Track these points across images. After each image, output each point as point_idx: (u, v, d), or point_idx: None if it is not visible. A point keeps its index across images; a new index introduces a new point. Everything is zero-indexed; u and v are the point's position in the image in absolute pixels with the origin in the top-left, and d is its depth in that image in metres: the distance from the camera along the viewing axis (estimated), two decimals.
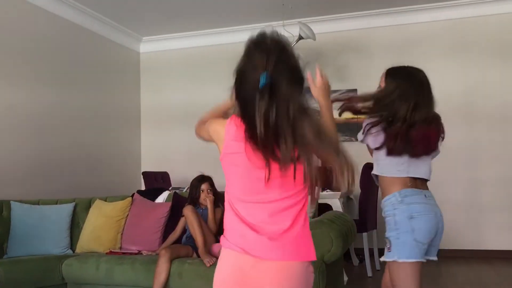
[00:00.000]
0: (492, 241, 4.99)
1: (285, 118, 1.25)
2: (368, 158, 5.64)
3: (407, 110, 1.98)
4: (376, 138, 2.03)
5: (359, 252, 5.22)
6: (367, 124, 2.07)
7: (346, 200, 5.13)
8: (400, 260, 2.03)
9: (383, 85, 2.13)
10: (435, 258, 2.09)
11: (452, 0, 5.57)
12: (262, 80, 1.25)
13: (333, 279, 2.98)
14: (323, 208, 4.14)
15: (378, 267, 4.91)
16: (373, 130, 2.04)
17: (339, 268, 3.33)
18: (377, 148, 2.05)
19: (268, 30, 1.34)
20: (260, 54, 1.31)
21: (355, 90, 5.97)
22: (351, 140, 5.95)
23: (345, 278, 4.08)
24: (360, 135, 2.13)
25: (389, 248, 2.07)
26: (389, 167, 2.05)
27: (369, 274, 4.60)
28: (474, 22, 5.62)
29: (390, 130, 1.98)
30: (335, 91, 6.03)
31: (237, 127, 1.35)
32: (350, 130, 5.97)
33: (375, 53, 5.98)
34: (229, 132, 1.37)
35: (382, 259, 2.11)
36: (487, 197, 5.25)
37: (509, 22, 5.51)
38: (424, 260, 2.04)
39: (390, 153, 2.01)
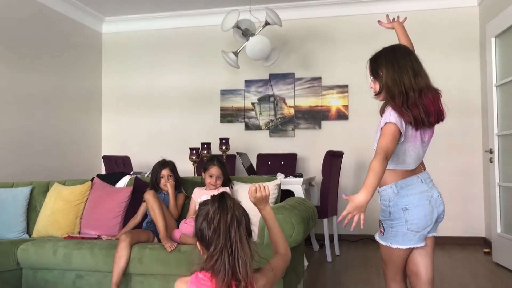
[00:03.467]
0: (445, 228, 5.21)
1: None
2: (330, 146, 5.72)
3: (410, 80, 2.00)
4: (401, 118, 1.98)
5: (320, 238, 5.32)
6: (391, 109, 2.00)
7: (308, 186, 5.19)
8: (393, 246, 2.09)
9: (374, 84, 2.11)
10: (434, 234, 2.16)
11: None
12: None
13: (293, 263, 3.03)
14: (286, 194, 4.18)
15: (338, 252, 5.01)
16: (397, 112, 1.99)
17: (299, 253, 3.38)
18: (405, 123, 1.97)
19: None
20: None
21: (320, 78, 6.03)
22: (314, 128, 6.02)
23: (305, 263, 4.15)
24: (388, 118, 1.99)
25: (382, 232, 2.14)
26: (393, 157, 2.03)
27: (329, 259, 4.70)
28: (437, 14, 5.75)
29: (409, 103, 1.97)
30: (300, 79, 6.08)
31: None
32: (313, 117, 6.04)
33: (340, 42, 6.04)
34: None
35: (376, 238, 2.19)
36: (441, 187, 5.42)
37: (469, 14, 5.67)
38: (421, 245, 2.09)
39: (418, 123, 1.97)
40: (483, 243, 5.40)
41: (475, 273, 4.16)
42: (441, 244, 5.28)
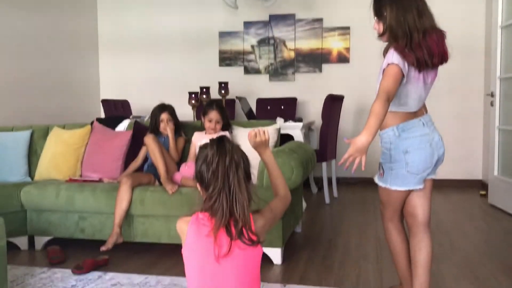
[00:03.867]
0: (443, 171, 5.26)
1: None
2: (330, 90, 5.67)
3: (414, 19, 1.95)
4: (404, 59, 1.95)
5: (318, 181, 5.39)
6: (395, 50, 1.96)
7: (308, 130, 5.20)
8: (392, 188, 2.12)
9: (377, 25, 2.06)
10: (433, 176, 2.18)
11: None
12: None
13: (292, 205, 3.08)
14: (285, 138, 4.20)
15: (336, 194, 5.10)
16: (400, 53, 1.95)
17: (298, 196, 3.44)
18: (408, 63, 1.94)
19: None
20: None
21: (321, 19, 5.89)
22: (315, 72, 5.95)
23: (304, 205, 4.23)
24: (390, 59, 1.95)
25: (381, 174, 2.16)
26: (395, 100, 2.02)
27: (327, 201, 4.79)
28: None
29: (413, 44, 1.94)
30: (300, 20, 5.93)
31: None
32: (314, 61, 5.95)
33: None
34: None
35: (375, 180, 2.22)
36: (441, 130, 5.43)
37: None
38: (419, 187, 2.11)
39: (421, 64, 1.94)
40: (480, 186, 5.48)
41: (471, 214, 4.25)
42: (439, 186, 5.36)
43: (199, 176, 1.52)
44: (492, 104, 4.60)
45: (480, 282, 2.58)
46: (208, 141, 1.55)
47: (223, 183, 1.44)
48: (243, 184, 1.46)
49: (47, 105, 5.51)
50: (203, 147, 1.54)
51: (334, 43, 5.88)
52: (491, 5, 4.80)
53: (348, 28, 5.82)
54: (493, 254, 3.08)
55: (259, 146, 1.71)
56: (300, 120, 4.85)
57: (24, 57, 5.19)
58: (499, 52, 4.49)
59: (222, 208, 1.43)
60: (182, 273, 1.51)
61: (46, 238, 3.34)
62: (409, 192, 2.14)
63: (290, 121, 4.75)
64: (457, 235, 3.55)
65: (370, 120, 1.84)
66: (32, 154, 3.80)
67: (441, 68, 2.07)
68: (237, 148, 1.51)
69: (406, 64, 1.94)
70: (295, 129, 4.44)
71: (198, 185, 1.54)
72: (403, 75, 1.95)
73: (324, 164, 4.82)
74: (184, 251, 1.49)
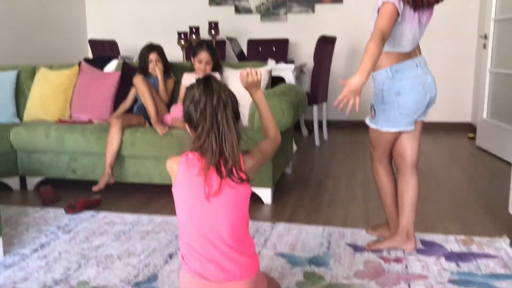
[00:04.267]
0: (432, 114, 5.31)
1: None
2: (323, 31, 5.57)
3: None
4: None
5: (309, 124, 5.41)
6: None
7: (299, 73, 5.15)
8: (383, 129, 2.13)
9: None
10: (424, 118, 2.19)
11: None
12: None
13: (283, 147, 3.11)
14: (276, 80, 4.16)
15: (326, 137, 5.13)
16: None
17: (289, 138, 3.46)
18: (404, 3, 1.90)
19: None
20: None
21: None
22: (307, 12, 5.81)
23: (294, 147, 4.26)
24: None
25: (373, 116, 2.16)
26: (389, 40, 1.98)
27: (317, 143, 4.83)
28: None
29: None
30: None
31: None
32: (306, 0, 5.80)
33: None
34: None
35: (366, 122, 2.22)
36: (432, 72, 5.41)
37: None
38: (410, 128, 2.13)
39: (416, 4, 1.90)
40: (469, 129, 5.54)
41: (459, 156, 4.32)
42: (427, 129, 5.40)
43: (187, 117, 1.51)
44: (484, 46, 4.56)
45: (464, 221, 2.67)
46: (194, 81, 1.53)
47: (212, 123, 1.44)
48: (231, 123, 1.46)
49: (33, 45, 5.37)
50: (189, 87, 1.52)
51: None
52: None
53: None
54: (478, 195, 3.16)
55: (250, 87, 1.69)
56: (291, 62, 4.79)
57: None
58: None
59: (212, 148, 1.43)
60: (173, 212, 1.54)
61: (38, 179, 3.36)
62: (399, 133, 2.16)
63: (282, 63, 4.69)
64: (444, 176, 3.62)
65: (364, 61, 1.82)
66: (20, 95, 3.75)
67: (435, 10, 2.03)
68: (224, 87, 1.49)
69: (401, 3, 1.90)
70: (286, 71, 4.40)
71: (186, 126, 1.54)
72: (398, 14, 1.91)
73: (315, 107, 4.82)
74: (174, 190, 1.51)
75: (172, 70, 3.54)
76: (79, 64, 3.78)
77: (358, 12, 5.62)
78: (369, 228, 2.50)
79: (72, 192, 3.24)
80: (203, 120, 1.44)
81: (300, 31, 5.83)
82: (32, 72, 3.80)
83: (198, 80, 1.50)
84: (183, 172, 1.48)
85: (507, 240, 2.30)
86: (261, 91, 1.72)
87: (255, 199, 2.96)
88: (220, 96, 1.45)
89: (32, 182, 3.37)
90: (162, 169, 3.05)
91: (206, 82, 1.47)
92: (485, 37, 4.53)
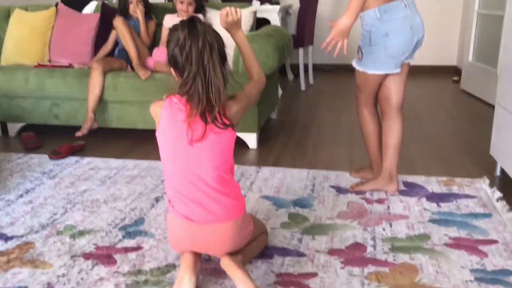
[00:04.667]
0: (417, 57, 5.29)
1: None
2: None
3: None
4: None
5: (294, 68, 5.35)
6: None
7: (285, 15, 5.03)
8: (370, 72, 2.11)
9: None
10: (410, 61, 2.17)
11: None
12: None
13: (268, 92, 3.08)
14: (261, 22, 4.06)
15: (311, 81, 5.10)
16: None
17: (274, 82, 3.42)
18: None
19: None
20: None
21: None
22: None
23: (280, 92, 4.23)
24: None
25: (360, 58, 2.13)
26: None
27: (303, 88, 4.80)
28: None
29: None
30: None
31: None
32: None
33: None
34: None
35: (353, 64, 2.19)
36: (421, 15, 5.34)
37: None
38: (397, 71, 2.11)
39: None
40: (454, 72, 5.53)
41: (442, 99, 4.34)
42: (412, 72, 5.37)
43: (172, 61, 1.47)
44: None
45: (447, 163, 2.72)
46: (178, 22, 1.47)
47: (198, 67, 1.40)
48: (218, 67, 1.42)
49: None
50: (173, 29, 1.47)
51: None
52: None
53: None
54: (461, 137, 3.20)
55: (230, 27, 1.64)
56: (277, 3, 4.66)
57: None
58: None
59: (198, 94, 1.41)
60: (159, 158, 1.53)
61: (19, 125, 3.31)
62: (385, 75, 2.15)
63: (267, 3, 4.57)
64: (427, 119, 3.65)
65: (352, 1, 1.78)
66: None
67: None
68: (210, 29, 1.44)
69: None
70: (271, 13, 4.29)
71: (172, 70, 1.50)
72: None
73: (301, 50, 4.75)
74: (158, 134, 1.50)
75: (153, 12, 3.42)
76: (56, 5, 3.63)
77: None
78: (353, 170, 2.53)
79: (55, 138, 3.20)
80: (188, 65, 1.41)
81: None
82: (6, 14, 3.65)
83: (182, 22, 1.45)
84: (166, 116, 1.46)
85: (487, 181, 2.36)
86: (242, 31, 1.68)
87: (241, 144, 2.96)
88: (205, 38, 1.40)
89: (13, 128, 3.32)
90: (146, 114, 3.01)
91: (190, 24, 1.42)
92: None
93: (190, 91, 1.42)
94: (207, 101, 1.41)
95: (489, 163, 2.64)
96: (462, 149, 2.96)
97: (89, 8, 3.65)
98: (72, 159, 2.82)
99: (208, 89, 1.41)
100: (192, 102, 1.42)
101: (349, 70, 2.23)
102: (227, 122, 1.45)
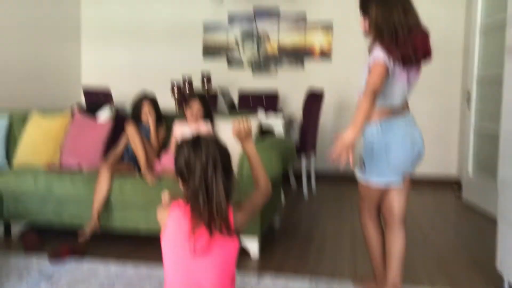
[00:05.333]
0: (419, 169, 5.39)
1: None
2: (312, 85, 5.69)
3: (399, 17, 1.99)
4: (389, 56, 1.98)
5: (297, 175, 5.44)
6: (380, 47, 1.99)
7: (288, 124, 5.24)
8: (373, 182, 2.17)
9: (364, 22, 2.09)
10: (412, 173, 2.23)
11: None
12: None
13: (271, 198, 3.11)
14: (266, 131, 4.22)
15: (314, 189, 5.16)
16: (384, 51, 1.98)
17: (277, 189, 3.47)
18: (393, 60, 1.97)
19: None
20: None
21: (304, 13, 5.91)
22: (297, 67, 5.98)
23: (283, 199, 4.27)
24: (376, 55, 1.99)
25: (362, 169, 2.20)
26: (379, 95, 2.04)
27: (306, 195, 4.84)
28: None
29: (398, 41, 1.98)
30: (284, 15, 5.94)
31: None
32: (296, 56, 5.99)
33: None
34: None
35: (356, 174, 2.25)
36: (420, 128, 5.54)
37: None
38: (399, 182, 2.17)
39: (405, 60, 1.98)
40: (455, 184, 5.60)
41: (444, 212, 4.35)
42: (414, 184, 5.44)
43: (179, 174, 1.55)
44: (468, 104, 4.71)
45: (451, 275, 2.66)
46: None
47: (200, 182, 1.47)
48: (220, 183, 1.49)
49: (27, 91, 5.42)
50: (180, 145, 1.56)
51: (317, 39, 5.92)
52: (471, 8, 4.90)
53: (331, 24, 5.87)
54: (465, 250, 3.16)
55: (242, 138, 1.73)
56: (281, 113, 4.88)
57: (5, 43, 5.09)
58: (476, 54, 4.59)
59: (199, 208, 1.46)
60: (158, 262, 1.54)
61: (22, 225, 3.31)
62: (388, 187, 2.20)
63: (271, 114, 4.78)
64: (430, 231, 3.63)
65: (357, 116, 1.88)
66: (11, 140, 3.75)
67: (422, 68, 2.12)
68: (214, 144, 1.52)
69: (391, 61, 1.99)
70: (276, 123, 4.47)
71: (179, 182, 1.57)
72: (388, 72, 1.99)
73: (303, 159, 4.87)
74: (163, 239, 1.52)
75: (164, 118, 3.59)
76: (72, 110, 3.82)
77: (345, 68, 5.80)
78: (356, 280, 2.48)
79: (57, 238, 3.18)
80: (192, 180, 1.48)
81: (290, 84, 5.98)
82: (25, 117, 3.83)
83: (188, 139, 1.54)
84: (172, 224, 1.49)
85: None
86: (252, 142, 1.76)
87: (242, 250, 2.93)
88: (209, 155, 1.49)
89: (16, 227, 3.31)
90: (149, 218, 3.03)
91: (195, 141, 1.51)
92: (469, 94, 4.68)
93: (193, 204, 1.47)
94: (209, 215, 1.46)
95: (496, 277, 2.58)
96: (467, 262, 2.92)
97: (103, 114, 3.84)
98: (71, 261, 2.78)
99: (210, 203, 1.47)
100: (194, 214, 1.47)
101: (351, 178, 2.29)
102: (232, 231, 1.48)
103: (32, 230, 3.24)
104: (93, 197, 3.05)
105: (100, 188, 3.03)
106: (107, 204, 3.08)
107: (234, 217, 1.51)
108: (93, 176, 3.15)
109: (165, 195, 1.74)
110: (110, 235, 3.24)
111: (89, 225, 3.02)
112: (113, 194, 3.06)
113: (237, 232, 1.50)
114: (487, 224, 3.84)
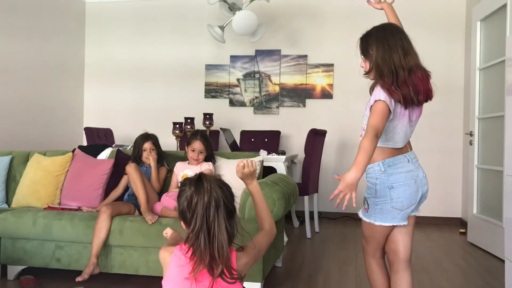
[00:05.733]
0: (423, 208, 5.33)
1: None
2: (313, 124, 5.73)
3: (399, 58, 2.00)
4: (390, 96, 1.97)
5: (300, 215, 5.38)
6: (381, 88, 1.99)
7: (291, 163, 5.22)
8: (377, 223, 2.13)
9: (364, 63, 2.11)
10: (416, 213, 2.19)
11: None
12: None
13: (274, 243, 3.06)
14: (268, 170, 4.20)
15: (317, 229, 5.08)
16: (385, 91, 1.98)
17: (280, 229, 3.42)
18: (395, 101, 1.97)
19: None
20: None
21: (306, 56, 6.00)
22: (299, 106, 6.03)
23: (285, 239, 4.20)
24: (377, 96, 1.98)
25: (366, 209, 2.16)
26: (381, 135, 2.04)
27: (308, 235, 4.76)
28: None
29: (399, 81, 1.98)
30: (286, 56, 6.03)
31: None
32: (298, 96, 6.04)
33: (328, 20, 6.00)
34: None
35: (359, 215, 2.21)
36: (424, 168, 5.51)
37: None
38: (403, 223, 2.13)
39: (407, 102, 1.97)
40: (460, 224, 5.52)
41: (450, 252, 4.27)
42: (419, 223, 5.39)
43: (181, 215, 1.52)
44: (471, 143, 4.70)
45: None
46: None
47: (201, 224, 1.44)
48: (223, 224, 1.45)
49: (29, 131, 5.45)
50: (182, 185, 1.54)
51: (318, 79, 5.99)
52: (470, 48, 4.97)
53: (332, 65, 5.95)
54: None
55: (246, 177, 1.71)
56: (283, 153, 4.88)
57: (8, 83, 5.16)
58: (477, 93, 4.62)
59: (200, 251, 1.42)
60: None
61: (20, 267, 3.25)
62: (392, 227, 2.15)
63: (274, 153, 4.77)
64: (436, 272, 3.55)
65: (359, 156, 1.87)
66: (11, 180, 3.73)
67: (423, 107, 2.12)
68: (217, 185, 1.50)
69: (392, 101, 1.99)
70: (278, 162, 4.46)
71: (182, 223, 1.54)
72: (390, 112, 1.99)
73: (306, 198, 4.82)
74: (164, 282, 1.47)
75: (165, 159, 3.58)
76: (73, 151, 3.82)
77: (347, 107, 5.84)
78: None
79: (55, 282, 3.12)
80: (194, 221, 1.45)
81: (292, 124, 6.01)
82: (26, 158, 3.83)
83: (190, 179, 1.52)
84: (174, 267, 1.46)
85: None
86: (256, 181, 1.74)
87: None
88: (211, 196, 1.46)
89: (13, 270, 3.25)
90: (149, 260, 2.97)
91: (197, 183, 1.49)
92: (471, 134, 4.68)
93: (194, 246, 1.44)
94: (210, 257, 1.42)
95: None
96: None
97: (104, 154, 3.83)
98: None
99: (212, 245, 1.43)
100: (196, 257, 1.43)
101: (354, 218, 2.25)
102: (235, 275, 1.44)
103: (30, 273, 3.17)
104: (92, 238, 3.00)
105: (99, 229, 2.98)
106: (105, 245, 3.03)
107: (237, 260, 1.47)
108: (93, 216, 3.11)
109: (168, 231, 1.70)
110: (108, 278, 3.17)
111: (88, 268, 2.95)
112: (112, 235, 3.01)
113: (240, 277, 1.46)
114: (493, 265, 3.76)
